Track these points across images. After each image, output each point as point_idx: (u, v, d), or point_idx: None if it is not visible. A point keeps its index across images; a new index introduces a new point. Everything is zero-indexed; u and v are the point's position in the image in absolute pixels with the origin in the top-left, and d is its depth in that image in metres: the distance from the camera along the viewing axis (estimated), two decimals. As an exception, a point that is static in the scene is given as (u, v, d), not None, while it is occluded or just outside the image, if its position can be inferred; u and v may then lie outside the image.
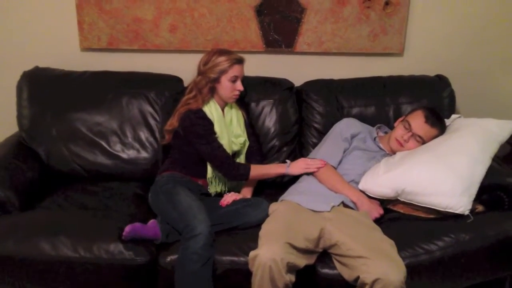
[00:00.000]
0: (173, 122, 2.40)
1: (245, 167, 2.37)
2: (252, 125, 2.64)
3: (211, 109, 2.39)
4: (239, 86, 2.38)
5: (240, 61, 2.38)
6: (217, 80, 2.36)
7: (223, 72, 2.34)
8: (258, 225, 2.15)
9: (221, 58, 2.34)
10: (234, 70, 2.35)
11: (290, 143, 2.70)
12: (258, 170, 2.40)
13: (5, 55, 2.85)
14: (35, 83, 2.67)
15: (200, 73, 2.40)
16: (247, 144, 2.52)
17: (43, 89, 2.66)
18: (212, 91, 2.40)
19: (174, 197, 2.25)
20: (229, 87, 2.37)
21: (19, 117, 2.65)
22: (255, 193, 2.49)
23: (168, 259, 2.10)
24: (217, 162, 2.35)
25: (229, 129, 2.44)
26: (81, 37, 2.81)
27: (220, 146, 2.34)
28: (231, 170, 2.34)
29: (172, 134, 2.44)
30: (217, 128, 2.37)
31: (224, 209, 2.28)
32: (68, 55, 2.85)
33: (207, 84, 2.36)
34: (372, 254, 1.94)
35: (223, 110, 2.46)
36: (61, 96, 2.64)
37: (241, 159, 2.50)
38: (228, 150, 2.39)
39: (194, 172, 2.41)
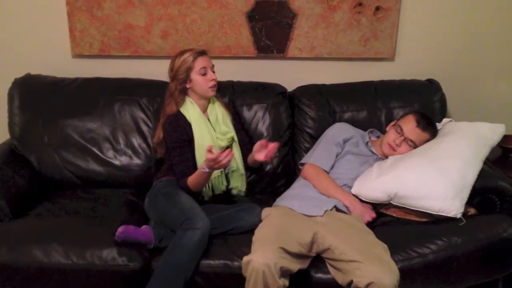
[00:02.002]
0: (159, 134, 2.42)
1: (183, 181, 2.28)
2: (240, 121, 2.64)
3: (188, 109, 2.38)
4: (211, 76, 2.37)
5: (202, 53, 2.38)
6: (187, 79, 2.36)
7: (190, 69, 2.34)
8: (251, 230, 2.15)
9: (182, 57, 2.35)
10: (200, 63, 2.34)
11: (283, 148, 2.70)
12: (191, 179, 2.26)
13: (-4, 62, 2.85)
14: (26, 90, 2.66)
15: (171, 80, 2.42)
16: (236, 139, 2.48)
17: (34, 96, 2.65)
18: (184, 92, 2.39)
19: (175, 197, 2.25)
20: (201, 81, 2.36)
21: (11, 124, 2.64)
22: (250, 198, 2.47)
23: (161, 263, 2.10)
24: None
25: (215, 126, 2.42)
26: (72, 44, 2.81)
27: (182, 160, 2.31)
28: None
29: (162, 146, 2.44)
30: (195, 128, 2.35)
31: (218, 214, 2.27)
32: (60, 62, 2.85)
33: (177, 87, 2.37)
34: (365, 258, 1.94)
35: (206, 109, 2.44)
36: (52, 103, 2.63)
37: (236, 154, 2.46)
38: (216, 147, 2.32)
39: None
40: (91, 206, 2.42)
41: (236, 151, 2.47)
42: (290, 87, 2.81)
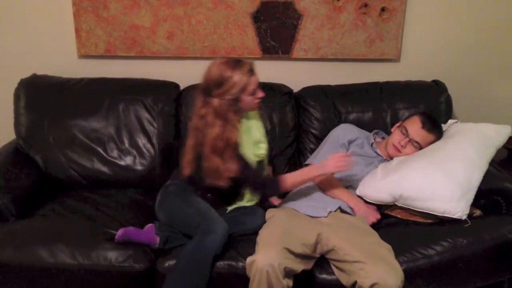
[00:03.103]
0: (212, 160, 2.15)
1: (274, 180, 2.23)
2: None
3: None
4: (260, 94, 2.21)
5: (253, 70, 2.19)
6: (237, 99, 2.16)
7: (242, 90, 2.15)
8: (254, 233, 2.14)
9: (235, 75, 2.12)
10: (252, 83, 2.16)
11: (288, 148, 2.69)
12: (290, 180, 2.22)
13: (3, 63, 2.86)
14: (32, 90, 2.67)
15: (211, 95, 2.16)
16: (267, 151, 2.39)
17: (40, 96, 2.66)
18: (240, 111, 2.21)
19: (191, 198, 2.23)
20: (250, 100, 2.19)
21: (17, 124, 2.65)
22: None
23: (167, 264, 2.09)
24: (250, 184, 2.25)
25: (249, 137, 2.28)
26: (78, 44, 2.82)
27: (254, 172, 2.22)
28: (264, 188, 2.23)
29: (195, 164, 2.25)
30: (242, 141, 2.22)
31: (222, 217, 2.24)
32: (66, 62, 2.86)
33: (229, 108, 2.14)
34: (369, 259, 1.94)
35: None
36: (58, 103, 2.64)
37: (265, 167, 2.40)
38: (252, 160, 2.25)
39: (200, 187, 2.30)
40: (96, 206, 2.42)
41: (265, 161, 2.43)
42: (295, 88, 2.81)
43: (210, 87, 2.15)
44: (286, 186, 2.23)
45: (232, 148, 2.14)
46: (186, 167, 2.24)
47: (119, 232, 2.10)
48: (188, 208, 2.18)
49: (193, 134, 2.21)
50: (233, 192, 2.31)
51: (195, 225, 2.10)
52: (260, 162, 2.33)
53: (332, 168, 2.20)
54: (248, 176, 2.20)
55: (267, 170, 2.47)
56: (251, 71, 2.17)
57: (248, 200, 2.35)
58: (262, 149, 2.33)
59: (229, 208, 2.32)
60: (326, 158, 2.24)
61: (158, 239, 2.15)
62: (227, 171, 2.15)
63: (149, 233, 2.16)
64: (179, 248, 2.14)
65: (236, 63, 2.16)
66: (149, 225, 2.21)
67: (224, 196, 2.30)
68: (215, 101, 2.14)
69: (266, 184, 2.25)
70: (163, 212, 2.28)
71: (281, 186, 2.21)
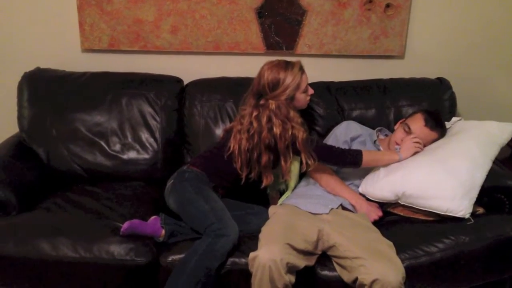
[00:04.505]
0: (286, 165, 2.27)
1: (356, 153, 2.29)
2: None
3: None
4: (311, 91, 2.37)
5: (303, 69, 2.32)
6: (292, 98, 2.29)
7: (297, 88, 2.29)
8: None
9: (288, 76, 2.26)
10: (304, 82, 2.32)
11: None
12: (369, 156, 2.31)
13: (6, 56, 2.86)
14: (35, 83, 2.67)
15: (265, 95, 2.28)
16: None
17: (43, 89, 2.66)
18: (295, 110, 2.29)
19: (206, 192, 2.22)
20: (303, 98, 2.35)
21: (20, 117, 2.65)
22: (258, 201, 2.43)
23: (170, 258, 2.10)
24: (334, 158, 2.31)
25: None
26: (82, 38, 2.81)
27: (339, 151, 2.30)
28: (345, 158, 2.29)
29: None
30: None
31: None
32: (69, 56, 2.86)
33: (288, 107, 2.25)
34: (370, 255, 1.94)
35: None
36: (61, 97, 2.64)
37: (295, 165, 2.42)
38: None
39: (218, 182, 2.34)
40: (99, 199, 2.42)
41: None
42: (298, 84, 2.81)
43: (263, 90, 2.27)
44: (366, 161, 2.28)
45: (302, 143, 2.21)
46: (240, 171, 2.28)
47: (125, 225, 2.09)
48: (204, 203, 2.16)
49: (241, 137, 2.25)
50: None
51: (207, 223, 2.09)
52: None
53: (411, 151, 2.33)
54: (330, 157, 2.29)
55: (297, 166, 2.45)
56: (302, 70, 2.30)
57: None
58: None
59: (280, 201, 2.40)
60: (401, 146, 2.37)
61: (163, 231, 2.15)
62: (309, 159, 2.22)
63: (154, 225, 2.15)
64: (182, 243, 2.15)
65: (287, 64, 2.30)
66: (154, 217, 2.20)
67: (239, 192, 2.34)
68: (271, 103, 2.23)
69: (348, 158, 2.28)
70: (174, 198, 2.27)
71: (361, 160, 2.27)
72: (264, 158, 2.24)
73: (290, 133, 2.20)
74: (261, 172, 2.28)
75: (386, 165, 2.35)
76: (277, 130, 2.19)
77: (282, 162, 2.25)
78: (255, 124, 2.23)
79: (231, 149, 2.26)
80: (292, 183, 2.43)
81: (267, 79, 2.26)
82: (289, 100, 2.27)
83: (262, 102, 2.26)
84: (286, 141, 2.21)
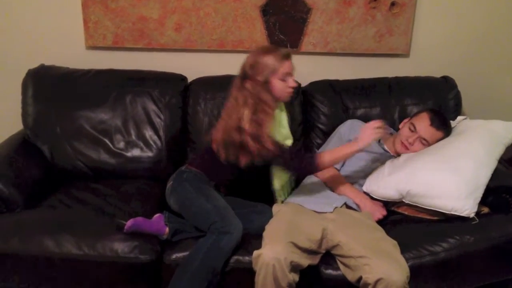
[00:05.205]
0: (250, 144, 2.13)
1: (312, 158, 2.19)
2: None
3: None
4: (291, 82, 2.20)
5: (288, 56, 2.19)
6: (267, 82, 2.16)
7: (273, 72, 2.15)
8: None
9: (268, 58, 2.15)
10: (285, 67, 2.16)
11: (296, 142, 2.67)
12: (327, 157, 2.19)
13: (11, 53, 2.86)
14: (40, 81, 2.67)
15: (246, 77, 2.18)
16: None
17: (48, 87, 2.66)
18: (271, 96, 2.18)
19: (207, 191, 2.21)
20: (280, 87, 2.18)
21: (24, 114, 2.66)
22: (262, 199, 2.40)
23: (174, 256, 2.10)
24: (285, 163, 2.21)
25: (279, 130, 2.28)
26: (86, 36, 2.81)
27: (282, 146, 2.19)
28: (300, 162, 2.20)
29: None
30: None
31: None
32: (74, 53, 2.85)
33: (262, 89, 2.15)
34: (374, 254, 1.94)
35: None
36: (65, 94, 2.64)
37: None
38: None
39: (218, 180, 2.32)
40: (103, 197, 2.43)
41: None
42: (303, 82, 2.79)
43: (245, 71, 2.19)
44: (324, 162, 2.18)
45: (265, 129, 2.13)
46: (215, 147, 2.23)
47: (129, 223, 2.09)
48: (206, 202, 2.16)
49: (224, 116, 2.23)
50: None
51: (210, 221, 2.09)
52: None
53: (368, 139, 2.16)
54: (283, 156, 2.16)
55: None
56: (286, 56, 2.17)
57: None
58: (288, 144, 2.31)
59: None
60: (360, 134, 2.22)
61: (167, 229, 2.15)
62: (261, 151, 2.12)
63: (158, 223, 2.15)
64: (185, 241, 2.15)
65: (271, 47, 2.24)
66: (157, 215, 2.20)
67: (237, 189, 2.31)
68: (248, 83, 2.16)
69: (303, 162, 2.20)
70: (175, 199, 2.27)
71: (318, 163, 2.17)
72: (236, 138, 2.15)
73: (259, 116, 2.13)
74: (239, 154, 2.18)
75: (350, 157, 2.25)
76: (247, 110, 2.14)
77: (250, 143, 2.13)
78: (232, 104, 2.20)
79: (215, 138, 2.23)
80: (276, 183, 2.36)
81: (249, 60, 2.19)
82: (266, 84, 2.15)
83: (243, 83, 2.19)
84: (256, 122, 2.13)
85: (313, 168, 2.21)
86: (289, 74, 2.19)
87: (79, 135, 2.60)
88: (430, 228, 2.20)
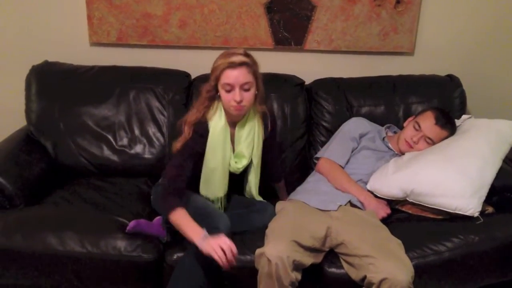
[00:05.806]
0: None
1: (174, 205, 1.95)
2: (275, 137, 2.39)
3: (216, 120, 2.10)
4: (234, 95, 1.99)
5: (235, 65, 1.97)
6: (215, 87, 2.06)
7: (217, 78, 2.02)
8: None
9: (218, 62, 2.02)
10: (225, 77, 1.98)
11: (299, 140, 2.67)
12: (178, 219, 1.94)
13: (15, 49, 2.86)
14: (44, 77, 2.67)
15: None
16: (256, 163, 2.23)
17: (51, 83, 2.66)
18: (213, 99, 2.10)
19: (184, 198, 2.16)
20: (224, 96, 2.03)
21: (28, 111, 2.66)
22: (262, 196, 2.39)
23: (175, 256, 2.10)
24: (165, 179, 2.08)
25: (236, 146, 2.17)
26: (90, 32, 2.81)
27: (181, 166, 2.04)
28: (162, 197, 2.05)
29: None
30: (210, 142, 2.09)
31: (230, 212, 2.20)
32: (78, 49, 2.85)
33: (208, 92, 2.08)
34: (379, 254, 1.93)
35: (236, 123, 2.15)
36: (69, 91, 2.64)
37: (252, 181, 2.28)
38: (221, 169, 2.14)
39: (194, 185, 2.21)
40: (106, 194, 2.43)
41: (253, 176, 2.26)
42: (307, 80, 2.79)
43: None
44: (172, 218, 1.95)
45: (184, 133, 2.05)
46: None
47: (131, 224, 2.09)
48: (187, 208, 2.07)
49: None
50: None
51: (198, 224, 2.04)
52: (244, 174, 2.28)
53: (211, 249, 1.84)
54: (167, 175, 2.03)
55: (255, 183, 2.30)
56: (235, 65, 1.97)
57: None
58: (239, 164, 2.18)
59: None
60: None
61: (165, 233, 2.15)
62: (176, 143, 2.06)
63: (158, 226, 2.16)
64: (186, 241, 2.13)
65: (230, 52, 2.04)
66: (158, 217, 2.20)
67: None
68: (206, 85, 2.11)
69: (167, 199, 1.99)
70: (160, 212, 2.23)
71: (171, 214, 1.94)
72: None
73: (195, 116, 2.07)
74: None
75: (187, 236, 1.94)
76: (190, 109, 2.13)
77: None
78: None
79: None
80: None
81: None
82: (213, 89, 2.07)
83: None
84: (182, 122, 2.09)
85: (166, 209, 1.98)
86: (230, 85, 2.00)
87: (82, 132, 2.60)
88: (434, 227, 2.19)
